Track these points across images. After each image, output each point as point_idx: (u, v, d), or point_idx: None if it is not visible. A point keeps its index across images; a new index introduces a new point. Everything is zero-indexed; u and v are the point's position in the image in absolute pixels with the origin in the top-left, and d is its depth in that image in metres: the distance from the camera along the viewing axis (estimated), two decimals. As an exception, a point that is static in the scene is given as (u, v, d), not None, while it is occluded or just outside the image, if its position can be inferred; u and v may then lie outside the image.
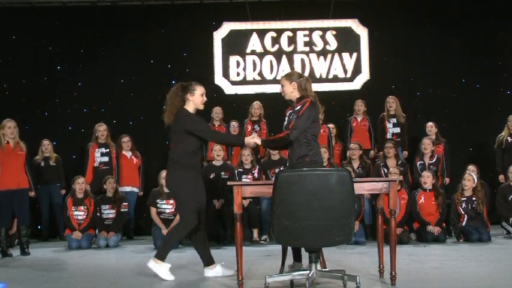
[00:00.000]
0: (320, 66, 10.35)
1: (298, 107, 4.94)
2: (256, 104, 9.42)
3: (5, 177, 7.12)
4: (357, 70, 10.32)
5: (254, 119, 9.36)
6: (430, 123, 9.10)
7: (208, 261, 5.28)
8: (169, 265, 5.17)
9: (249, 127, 9.35)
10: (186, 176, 5.08)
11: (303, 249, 4.27)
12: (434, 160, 8.53)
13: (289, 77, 5.07)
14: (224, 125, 9.36)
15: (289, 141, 4.91)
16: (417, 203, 7.81)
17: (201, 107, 5.28)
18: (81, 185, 8.19)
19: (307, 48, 10.36)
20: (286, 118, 5.09)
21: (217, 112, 9.38)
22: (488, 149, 9.62)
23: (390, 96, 9.30)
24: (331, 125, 9.44)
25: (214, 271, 5.24)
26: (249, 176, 8.28)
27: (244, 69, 10.32)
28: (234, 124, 9.33)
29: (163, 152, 9.70)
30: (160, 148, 9.81)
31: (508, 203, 8.17)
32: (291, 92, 5.02)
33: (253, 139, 5.16)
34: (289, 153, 5.03)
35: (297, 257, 5.09)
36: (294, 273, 4.47)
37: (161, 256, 5.14)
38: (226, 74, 10.29)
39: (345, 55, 10.34)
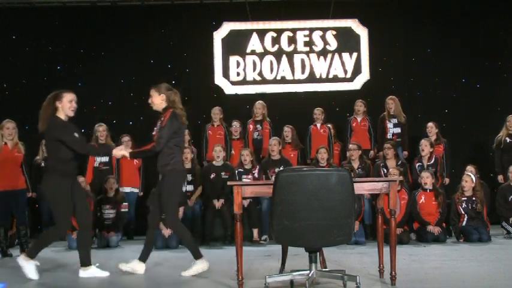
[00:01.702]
0: (320, 66, 10.35)
1: (162, 118, 5.32)
2: (259, 104, 9.41)
3: (2, 178, 7.12)
4: (357, 70, 10.33)
5: (257, 119, 9.36)
6: (430, 124, 9.07)
7: (84, 262, 5.40)
8: (37, 262, 5.39)
9: (251, 127, 9.35)
10: (62, 183, 5.26)
11: (302, 249, 4.26)
12: (432, 161, 8.49)
13: (158, 89, 5.41)
14: (224, 125, 9.35)
15: (155, 152, 5.29)
16: (417, 203, 7.81)
17: (71, 114, 5.43)
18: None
19: (307, 48, 10.36)
20: (155, 128, 5.41)
21: (215, 112, 9.36)
22: (488, 149, 9.61)
23: (390, 97, 9.29)
24: (329, 125, 9.44)
25: (88, 272, 5.37)
26: (249, 176, 8.28)
27: (244, 69, 10.32)
28: (235, 124, 9.33)
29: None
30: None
31: (508, 203, 8.17)
32: (159, 103, 5.38)
33: (121, 151, 5.46)
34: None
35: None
36: (294, 273, 4.47)
37: (31, 254, 5.35)
38: (226, 74, 10.30)
39: (345, 55, 10.35)
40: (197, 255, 5.34)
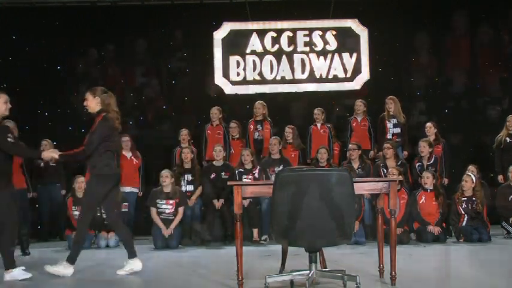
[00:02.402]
0: (320, 66, 10.34)
1: (95, 122, 5.44)
2: (259, 104, 9.39)
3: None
4: (357, 70, 10.32)
5: (258, 119, 9.35)
6: (428, 124, 9.05)
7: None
8: (22, 267, 5.37)
9: (252, 127, 9.35)
10: None
11: (302, 249, 4.25)
12: (432, 161, 8.49)
13: (93, 92, 5.54)
14: (223, 125, 9.33)
15: (84, 156, 5.46)
16: (418, 203, 7.80)
17: (6, 113, 5.61)
18: (81, 184, 8.17)
19: (307, 48, 10.35)
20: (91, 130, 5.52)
21: (213, 112, 9.33)
22: (488, 149, 9.61)
23: (389, 97, 9.26)
24: (329, 125, 9.43)
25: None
26: (250, 176, 8.27)
27: (244, 69, 10.31)
28: (232, 125, 9.31)
29: (164, 152, 9.73)
30: (160, 148, 9.80)
31: (508, 203, 8.17)
32: (94, 106, 5.54)
33: (51, 154, 5.54)
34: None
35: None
36: (294, 273, 4.46)
37: (9, 265, 5.30)
38: (226, 74, 10.29)
39: (345, 55, 10.34)
40: (72, 261, 5.42)
